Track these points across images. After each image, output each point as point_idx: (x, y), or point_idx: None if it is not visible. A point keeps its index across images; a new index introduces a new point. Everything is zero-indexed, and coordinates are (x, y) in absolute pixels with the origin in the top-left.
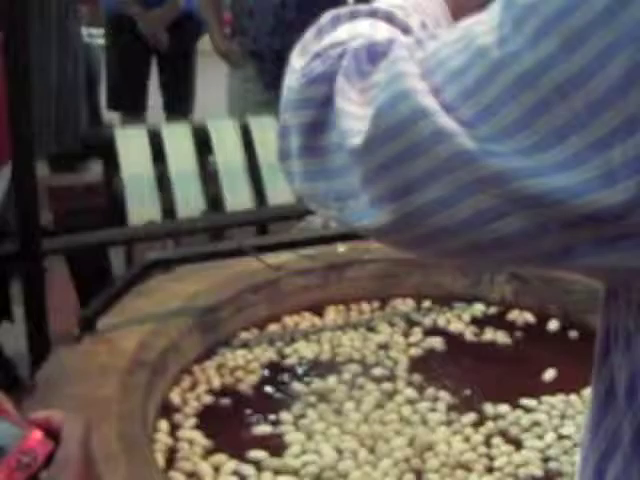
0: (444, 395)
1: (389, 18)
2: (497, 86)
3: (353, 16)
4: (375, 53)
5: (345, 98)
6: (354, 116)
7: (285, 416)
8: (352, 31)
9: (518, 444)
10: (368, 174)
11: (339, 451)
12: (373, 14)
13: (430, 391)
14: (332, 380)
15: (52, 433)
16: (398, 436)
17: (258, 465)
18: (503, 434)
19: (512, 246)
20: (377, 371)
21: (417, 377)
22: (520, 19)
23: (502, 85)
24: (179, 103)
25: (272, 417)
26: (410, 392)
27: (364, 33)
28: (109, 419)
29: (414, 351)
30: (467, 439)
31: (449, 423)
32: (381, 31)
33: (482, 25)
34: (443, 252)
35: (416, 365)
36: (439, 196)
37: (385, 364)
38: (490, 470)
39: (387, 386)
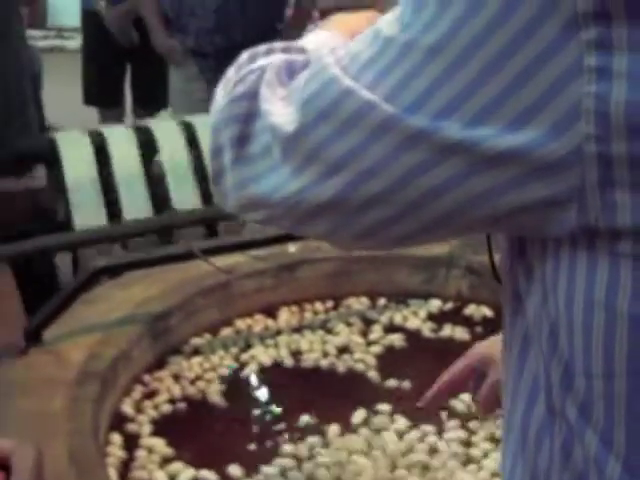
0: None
1: (303, 51)
2: (408, 63)
3: (269, 52)
4: (294, 67)
5: (270, 102)
6: (281, 113)
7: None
8: (269, 61)
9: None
10: (304, 159)
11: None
12: (287, 50)
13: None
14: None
15: (1, 463)
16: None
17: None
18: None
19: (445, 195)
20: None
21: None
22: (418, 7)
23: (412, 61)
24: (152, 98)
25: (237, 426)
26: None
27: (281, 59)
28: (58, 436)
29: (375, 349)
30: None
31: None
32: (297, 57)
33: (385, 22)
34: (380, 222)
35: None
36: (375, 161)
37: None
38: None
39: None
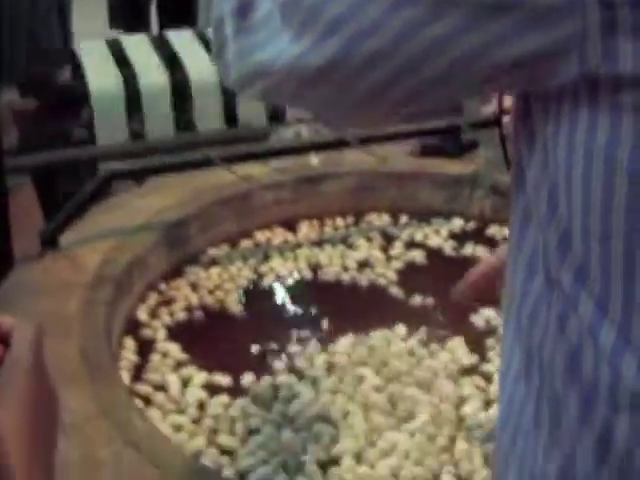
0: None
1: None
2: None
3: None
4: None
5: None
6: None
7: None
8: None
9: None
10: (302, 22)
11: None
12: None
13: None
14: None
15: (1, 337)
16: None
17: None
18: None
19: (446, 48)
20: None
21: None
22: None
23: None
24: (179, 19)
25: (256, 336)
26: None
27: None
28: (71, 337)
29: (396, 265)
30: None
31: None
32: None
33: None
34: (380, 83)
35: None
36: (374, 18)
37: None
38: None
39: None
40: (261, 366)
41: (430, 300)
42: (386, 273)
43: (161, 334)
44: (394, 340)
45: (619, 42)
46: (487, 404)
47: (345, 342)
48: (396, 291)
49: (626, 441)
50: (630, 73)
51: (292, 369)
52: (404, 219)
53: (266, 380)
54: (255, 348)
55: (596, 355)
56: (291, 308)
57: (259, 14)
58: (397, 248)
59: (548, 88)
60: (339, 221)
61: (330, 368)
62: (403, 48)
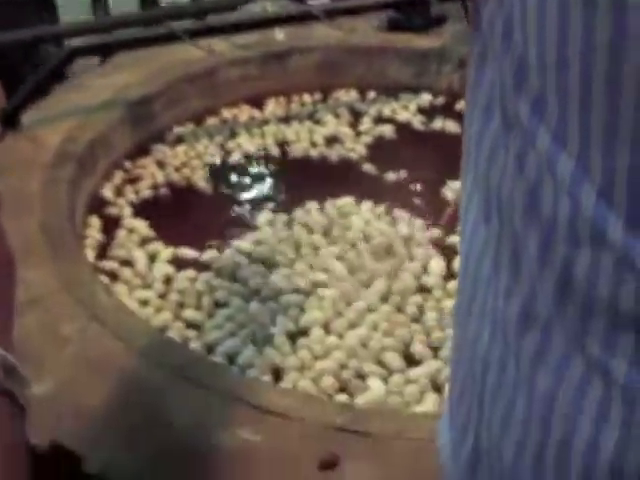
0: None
1: None
2: None
3: None
4: None
5: None
6: None
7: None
8: None
9: None
10: None
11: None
12: None
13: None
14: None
15: None
16: None
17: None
18: None
19: None
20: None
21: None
22: None
23: None
24: None
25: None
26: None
27: None
28: (31, 212)
29: (365, 139)
30: None
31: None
32: None
33: None
34: None
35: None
36: None
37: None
38: None
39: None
40: (227, 240)
41: (402, 174)
42: (355, 148)
43: (127, 211)
44: (357, 210)
45: None
46: (451, 276)
47: (307, 209)
48: (367, 166)
49: (587, 276)
50: None
51: (258, 242)
52: (372, 95)
53: (229, 253)
54: (220, 223)
55: (555, 188)
56: (258, 184)
57: None
58: (366, 123)
59: None
60: (306, 97)
61: (291, 241)
62: None
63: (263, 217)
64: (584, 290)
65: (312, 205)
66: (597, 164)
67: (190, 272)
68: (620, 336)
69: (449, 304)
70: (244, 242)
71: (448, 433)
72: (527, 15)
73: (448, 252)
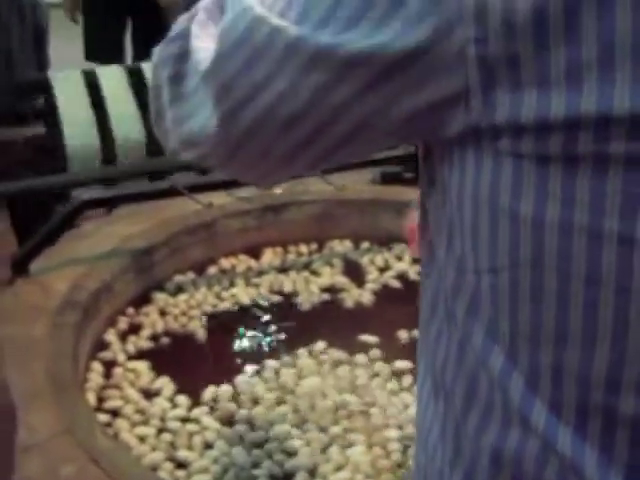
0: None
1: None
2: None
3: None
4: (222, 7)
5: (199, 39)
6: (207, 49)
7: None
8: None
9: None
10: (220, 91)
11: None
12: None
13: None
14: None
15: None
16: None
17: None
18: None
19: (353, 108)
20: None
21: None
22: None
23: None
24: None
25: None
26: None
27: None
28: (38, 358)
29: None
30: None
31: None
32: None
33: None
34: (296, 144)
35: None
36: (284, 87)
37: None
38: None
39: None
40: (222, 384)
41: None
42: (362, 295)
43: (128, 356)
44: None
45: (498, 95)
46: None
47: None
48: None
49: (514, 454)
50: (506, 120)
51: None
52: (365, 245)
53: (224, 395)
54: (216, 369)
55: (490, 381)
56: (251, 332)
57: (190, 83)
58: (371, 273)
59: (442, 138)
60: (302, 248)
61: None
62: (314, 112)
63: (253, 366)
64: (512, 465)
65: (302, 351)
66: (524, 358)
67: (182, 411)
68: None
69: None
70: (238, 388)
71: None
72: (464, 227)
73: None
